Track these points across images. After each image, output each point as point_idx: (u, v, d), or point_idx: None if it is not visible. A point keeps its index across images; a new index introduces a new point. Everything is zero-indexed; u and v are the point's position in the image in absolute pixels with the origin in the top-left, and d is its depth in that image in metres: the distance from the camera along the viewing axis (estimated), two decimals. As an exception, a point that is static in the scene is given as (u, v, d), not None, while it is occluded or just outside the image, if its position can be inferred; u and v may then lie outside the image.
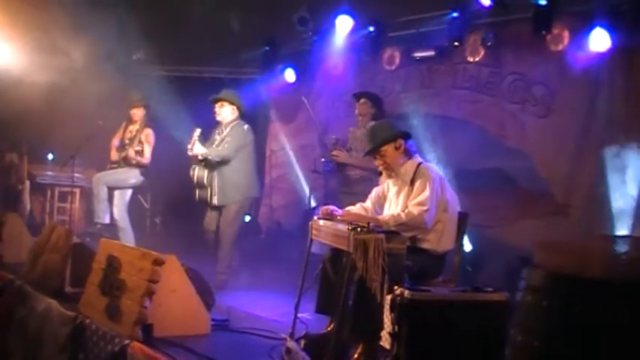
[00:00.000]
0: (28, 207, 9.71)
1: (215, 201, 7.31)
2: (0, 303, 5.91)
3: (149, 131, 8.41)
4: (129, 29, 8.65)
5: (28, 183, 9.73)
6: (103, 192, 8.27)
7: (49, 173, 10.08)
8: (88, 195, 10.36)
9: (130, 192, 8.48)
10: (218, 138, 7.42)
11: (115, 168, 8.41)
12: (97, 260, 5.30)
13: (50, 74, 8.68)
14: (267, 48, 10.07)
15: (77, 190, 9.97)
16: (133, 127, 8.47)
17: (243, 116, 7.56)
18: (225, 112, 7.41)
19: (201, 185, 7.36)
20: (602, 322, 2.90)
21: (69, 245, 6.01)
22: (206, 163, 7.30)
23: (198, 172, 7.34)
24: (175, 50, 10.01)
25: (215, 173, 7.29)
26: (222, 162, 7.27)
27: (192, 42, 9.67)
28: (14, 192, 9.66)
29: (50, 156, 10.30)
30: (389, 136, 5.04)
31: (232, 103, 7.42)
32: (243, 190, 7.41)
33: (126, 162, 8.32)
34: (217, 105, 7.43)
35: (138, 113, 8.44)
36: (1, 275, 6.18)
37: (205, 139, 7.42)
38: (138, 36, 9.20)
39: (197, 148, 7.17)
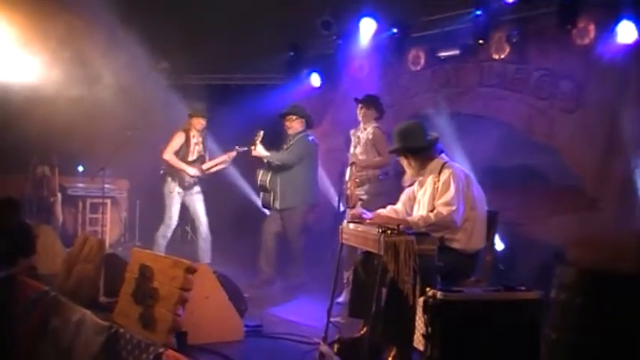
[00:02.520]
0: (61, 219, 9.83)
1: (277, 205, 7.50)
2: (35, 314, 5.98)
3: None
4: (156, 40, 8.71)
5: (59, 195, 9.86)
6: None
7: (80, 185, 10.23)
8: (119, 206, 10.51)
9: None
10: (285, 147, 7.62)
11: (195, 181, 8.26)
12: (129, 270, 5.33)
13: (80, 88, 8.78)
14: (291, 53, 10.13)
15: (108, 201, 10.09)
16: (198, 139, 8.26)
17: (311, 126, 7.76)
18: (296, 125, 7.58)
19: (264, 189, 7.58)
20: (636, 318, 2.86)
21: (102, 255, 6.07)
22: (269, 167, 7.51)
23: (261, 176, 7.57)
24: (201, 59, 10.06)
25: (277, 178, 7.48)
26: (284, 167, 7.45)
27: (218, 50, 9.72)
28: (46, 204, 9.78)
29: (80, 168, 10.43)
30: (416, 146, 5.01)
31: (301, 117, 7.61)
32: (302, 195, 7.57)
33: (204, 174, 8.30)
34: (287, 120, 7.59)
35: (203, 123, 8.25)
36: (36, 286, 6.24)
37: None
38: (164, 46, 9.27)
39: (259, 150, 7.38)
